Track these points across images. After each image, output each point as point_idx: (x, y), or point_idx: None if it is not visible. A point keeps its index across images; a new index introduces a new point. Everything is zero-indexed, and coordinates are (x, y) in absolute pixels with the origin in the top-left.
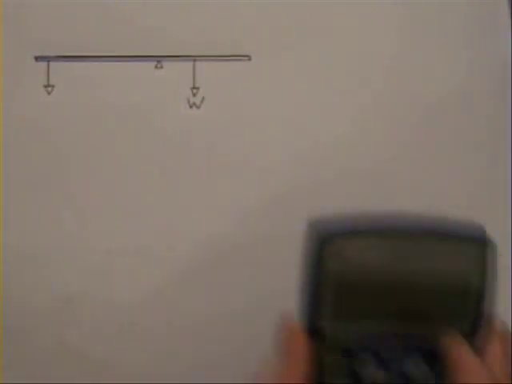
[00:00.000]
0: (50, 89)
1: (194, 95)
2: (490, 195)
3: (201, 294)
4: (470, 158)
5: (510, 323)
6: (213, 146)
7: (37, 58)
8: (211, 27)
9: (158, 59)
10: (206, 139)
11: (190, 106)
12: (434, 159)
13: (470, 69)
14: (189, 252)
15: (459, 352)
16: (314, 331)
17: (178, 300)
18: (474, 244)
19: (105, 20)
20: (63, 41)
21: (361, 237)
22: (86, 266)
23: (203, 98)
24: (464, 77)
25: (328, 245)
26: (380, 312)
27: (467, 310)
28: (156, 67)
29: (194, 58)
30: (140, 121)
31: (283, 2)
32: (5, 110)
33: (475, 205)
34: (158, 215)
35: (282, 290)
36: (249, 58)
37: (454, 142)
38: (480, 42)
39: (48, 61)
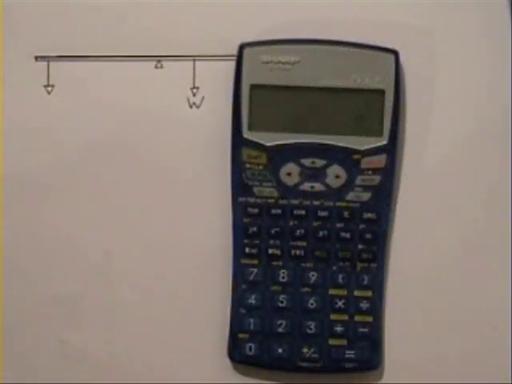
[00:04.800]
0: (49, 89)
1: (194, 95)
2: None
3: (201, 295)
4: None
5: (510, 323)
6: (213, 145)
7: (37, 58)
8: (211, 27)
9: (158, 59)
10: (205, 139)
11: (190, 106)
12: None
13: (469, 68)
14: (190, 252)
15: None
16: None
17: (178, 300)
18: (384, 53)
19: (105, 20)
20: (63, 41)
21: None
22: (86, 266)
23: (203, 98)
24: (464, 75)
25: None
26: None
27: (382, 122)
28: (156, 67)
29: (193, 58)
30: (140, 121)
31: (284, 2)
32: (5, 109)
33: (475, 204)
34: (158, 215)
35: None
36: None
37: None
38: (480, 41)
39: (48, 61)
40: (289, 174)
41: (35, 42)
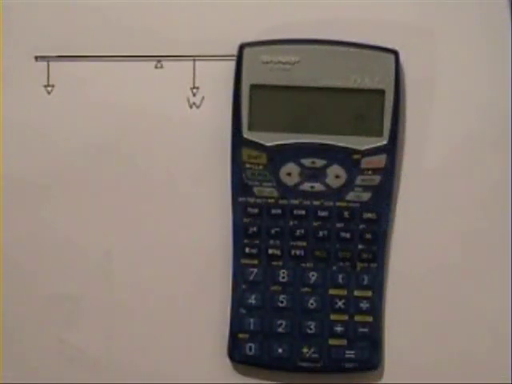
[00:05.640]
0: (49, 89)
1: (194, 95)
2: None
3: (201, 295)
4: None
5: (510, 323)
6: (213, 145)
7: (37, 58)
8: (211, 27)
9: (158, 59)
10: (206, 139)
11: (190, 106)
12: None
13: (469, 68)
14: (190, 252)
15: None
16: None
17: (178, 300)
18: (384, 53)
19: (105, 20)
20: (63, 41)
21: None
22: (86, 266)
23: (203, 98)
24: (464, 75)
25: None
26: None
27: (382, 122)
28: (156, 67)
29: (193, 58)
30: (140, 121)
31: (284, 2)
32: (5, 109)
33: (475, 204)
34: (158, 215)
35: None
36: None
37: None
38: (480, 41)
39: (48, 61)
40: (289, 174)
41: (35, 42)
